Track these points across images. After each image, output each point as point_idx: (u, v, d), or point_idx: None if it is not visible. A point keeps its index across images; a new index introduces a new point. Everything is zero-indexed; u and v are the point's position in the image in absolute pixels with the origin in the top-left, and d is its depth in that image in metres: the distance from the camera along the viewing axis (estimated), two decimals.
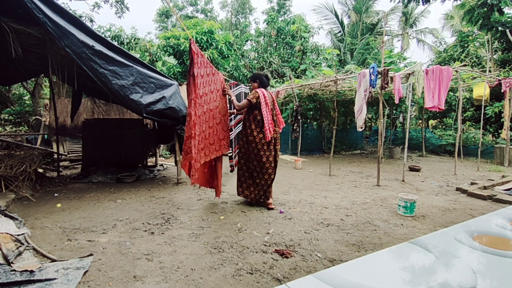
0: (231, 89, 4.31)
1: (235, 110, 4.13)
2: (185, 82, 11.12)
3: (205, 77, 3.46)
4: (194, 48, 3.13)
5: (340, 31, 18.90)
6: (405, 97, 7.82)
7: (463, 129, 11.15)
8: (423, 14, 20.43)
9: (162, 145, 8.74)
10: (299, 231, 3.12)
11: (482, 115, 7.57)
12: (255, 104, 3.77)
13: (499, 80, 7.45)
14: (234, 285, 2.09)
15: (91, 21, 9.80)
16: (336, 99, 7.15)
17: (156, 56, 10.83)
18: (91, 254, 2.51)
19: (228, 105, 4.22)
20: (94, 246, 2.70)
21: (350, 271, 1.66)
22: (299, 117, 8.76)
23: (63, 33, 3.57)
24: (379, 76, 5.37)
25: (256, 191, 3.94)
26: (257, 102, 3.75)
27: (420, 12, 20.28)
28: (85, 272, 2.22)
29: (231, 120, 4.38)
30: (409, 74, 5.86)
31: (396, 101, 5.87)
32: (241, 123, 4.16)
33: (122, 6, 9.32)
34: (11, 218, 3.15)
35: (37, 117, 9.47)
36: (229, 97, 4.05)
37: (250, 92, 4.09)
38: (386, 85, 5.30)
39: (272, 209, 3.88)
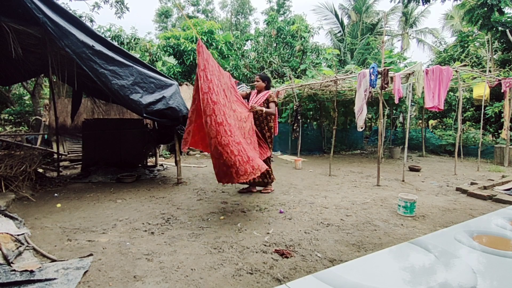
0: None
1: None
2: (185, 82, 11.17)
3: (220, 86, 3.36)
4: (200, 60, 3.04)
5: (340, 31, 18.91)
6: (405, 97, 7.82)
7: (463, 129, 11.15)
8: (423, 14, 20.46)
9: (162, 145, 8.74)
10: (299, 231, 3.12)
11: (482, 115, 7.57)
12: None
13: (499, 80, 7.45)
14: (234, 285, 2.09)
15: (91, 21, 9.82)
16: (336, 99, 7.14)
17: (156, 56, 10.84)
18: (91, 254, 2.50)
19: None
20: (94, 246, 2.70)
21: (350, 271, 1.66)
22: (299, 117, 8.76)
23: (63, 33, 3.57)
24: (379, 76, 5.37)
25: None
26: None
27: (420, 12, 20.31)
28: (85, 272, 2.22)
29: None
30: (409, 74, 5.86)
31: (396, 101, 5.87)
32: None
33: (122, 6, 9.34)
34: (11, 218, 3.15)
35: (37, 117, 9.47)
36: (261, 112, 4.22)
37: (251, 88, 4.21)
38: (386, 85, 5.30)
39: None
